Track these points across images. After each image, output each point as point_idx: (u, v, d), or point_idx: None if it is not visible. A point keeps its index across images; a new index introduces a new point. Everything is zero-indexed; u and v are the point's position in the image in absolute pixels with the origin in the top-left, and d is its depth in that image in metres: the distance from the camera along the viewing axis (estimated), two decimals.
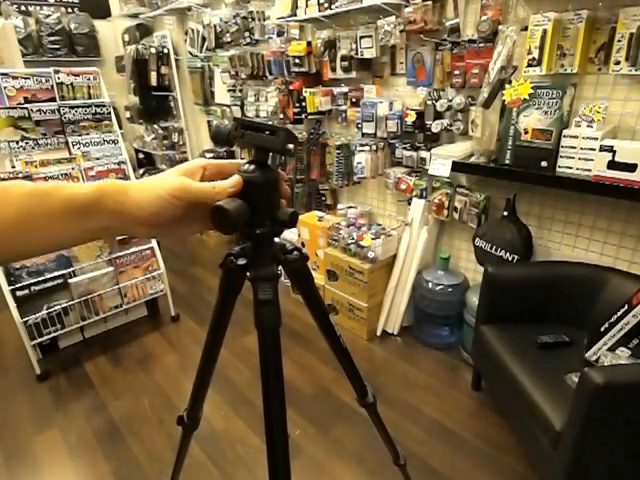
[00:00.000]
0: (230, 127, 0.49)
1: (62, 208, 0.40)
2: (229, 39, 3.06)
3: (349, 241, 2.31)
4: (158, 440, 1.72)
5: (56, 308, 2.05)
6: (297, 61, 2.49)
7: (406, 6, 1.92)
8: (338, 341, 0.74)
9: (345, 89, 2.42)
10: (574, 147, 1.51)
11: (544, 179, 1.61)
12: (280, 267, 0.58)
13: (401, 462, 1.11)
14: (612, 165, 1.40)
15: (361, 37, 2.17)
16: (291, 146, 0.46)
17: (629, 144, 1.40)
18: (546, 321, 1.64)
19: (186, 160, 4.14)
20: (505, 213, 1.85)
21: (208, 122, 3.88)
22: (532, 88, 1.53)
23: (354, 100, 2.39)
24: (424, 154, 2.11)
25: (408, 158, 2.19)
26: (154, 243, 2.38)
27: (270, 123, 0.54)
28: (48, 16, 4.04)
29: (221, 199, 0.44)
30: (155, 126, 4.14)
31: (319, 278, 2.55)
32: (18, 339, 2.00)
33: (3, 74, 1.93)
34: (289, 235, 2.84)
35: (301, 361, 2.17)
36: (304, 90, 2.54)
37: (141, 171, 4.81)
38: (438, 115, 2.00)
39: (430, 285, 2.13)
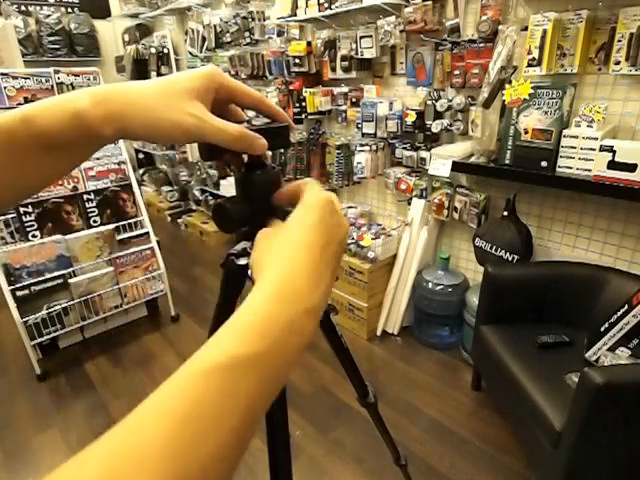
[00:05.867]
0: None
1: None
2: (229, 39, 3.06)
3: (349, 241, 2.31)
4: None
5: (56, 308, 2.05)
6: (297, 61, 2.49)
7: (406, 6, 1.92)
8: (339, 341, 0.74)
9: (345, 89, 2.42)
10: (574, 147, 1.51)
11: (544, 179, 1.61)
12: None
13: (402, 462, 1.11)
14: (612, 165, 1.40)
15: (361, 37, 2.17)
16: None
17: (629, 144, 1.40)
18: (546, 321, 1.64)
19: (186, 160, 4.16)
20: (505, 213, 1.85)
21: None
22: (532, 88, 1.53)
23: (354, 100, 2.39)
24: (424, 154, 2.11)
25: (408, 158, 2.19)
26: (154, 243, 2.38)
27: (264, 122, 0.50)
28: (48, 16, 4.04)
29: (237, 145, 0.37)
30: None
31: None
32: (18, 339, 2.00)
33: (3, 74, 1.93)
34: None
35: (301, 361, 2.17)
36: (304, 90, 2.54)
37: (141, 171, 4.81)
38: (438, 115, 2.00)
39: (430, 285, 2.13)
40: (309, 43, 2.44)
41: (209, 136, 0.36)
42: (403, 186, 2.24)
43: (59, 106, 0.34)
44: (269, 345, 0.27)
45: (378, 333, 2.37)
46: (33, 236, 1.99)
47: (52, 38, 4.07)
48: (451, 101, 1.92)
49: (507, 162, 1.68)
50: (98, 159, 2.22)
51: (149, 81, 0.36)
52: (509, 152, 1.67)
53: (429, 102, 2.01)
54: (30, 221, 1.97)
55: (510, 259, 1.79)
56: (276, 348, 0.27)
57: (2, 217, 1.94)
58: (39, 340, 2.04)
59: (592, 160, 1.47)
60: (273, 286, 0.30)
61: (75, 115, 0.34)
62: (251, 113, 0.46)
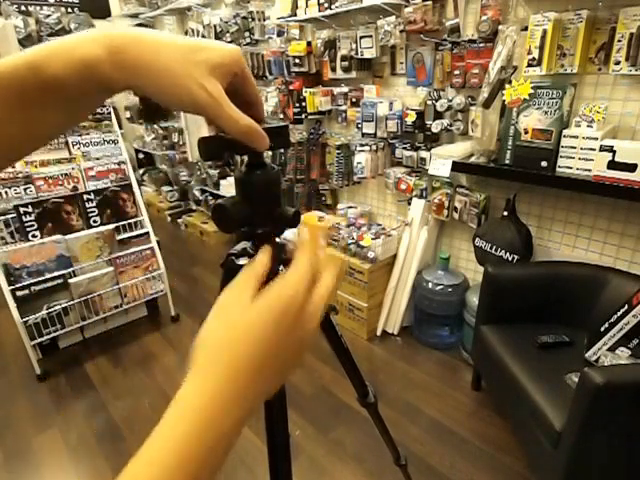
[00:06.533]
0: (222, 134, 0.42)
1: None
2: (229, 39, 3.06)
3: (349, 241, 2.31)
4: None
5: (56, 308, 2.05)
6: (297, 61, 2.49)
7: (406, 6, 1.92)
8: (339, 341, 0.74)
9: (345, 89, 2.42)
10: (574, 147, 1.51)
11: (544, 179, 1.61)
12: (282, 267, 0.57)
13: (402, 462, 1.11)
14: (612, 165, 1.40)
15: (361, 37, 2.17)
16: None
17: (629, 144, 1.40)
18: (546, 321, 1.64)
19: (186, 160, 4.16)
20: (505, 213, 1.85)
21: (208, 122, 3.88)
22: (532, 88, 1.53)
23: (354, 100, 2.39)
24: (424, 154, 2.11)
25: (408, 158, 2.19)
26: (154, 243, 2.38)
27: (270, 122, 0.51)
28: (48, 16, 4.04)
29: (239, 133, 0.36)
30: (155, 126, 4.14)
31: None
32: (18, 339, 2.00)
33: None
34: (289, 235, 2.84)
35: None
36: (304, 90, 2.54)
37: (141, 171, 4.81)
38: (438, 115, 2.00)
39: (430, 285, 2.13)
40: (309, 43, 2.44)
41: (220, 121, 0.35)
42: (403, 186, 2.24)
43: (67, 53, 0.32)
44: (201, 454, 0.27)
45: (378, 333, 2.37)
46: (33, 236, 1.99)
47: (52, 38, 4.05)
48: (451, 101, 1.92)
49: (507, 162, 1.68)
50: (98, 159, 2.22)
51: (173, 38, 0.34)
52: (509, 152, 1.67)
53: (429, 102, 2.01)
54: (30, 221, 1.97)
55: (510, 259, 1.79)
56: (206, 456, 0.28)
57: (2, 217, 1.94)
58: (39, 340, 2.04)
59: (592, 160, 1.47)
60: (210, 392, 0.29)
61: (86, 64, 0.32)
62: None
